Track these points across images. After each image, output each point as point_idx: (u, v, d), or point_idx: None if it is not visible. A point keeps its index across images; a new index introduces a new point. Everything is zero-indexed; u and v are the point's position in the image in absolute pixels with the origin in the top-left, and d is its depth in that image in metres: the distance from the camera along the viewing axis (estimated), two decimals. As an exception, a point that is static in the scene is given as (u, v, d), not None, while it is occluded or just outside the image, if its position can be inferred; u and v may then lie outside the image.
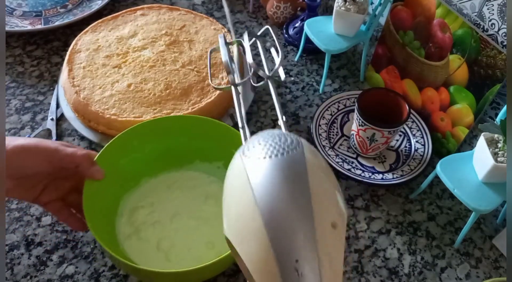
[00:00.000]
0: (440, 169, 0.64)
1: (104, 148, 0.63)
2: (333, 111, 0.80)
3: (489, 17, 0.64)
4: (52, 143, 0.57)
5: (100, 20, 0.87)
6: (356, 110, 0.70)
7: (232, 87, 0.57)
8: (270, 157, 0.34)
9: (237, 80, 0.59)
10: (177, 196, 0.68)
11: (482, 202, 0.61)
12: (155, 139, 0.68)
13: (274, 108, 0.83)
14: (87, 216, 0.56)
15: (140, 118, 0.72)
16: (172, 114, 0.73)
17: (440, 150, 0.76)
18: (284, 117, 0.49)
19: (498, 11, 0.63)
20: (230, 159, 0.65)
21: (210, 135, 0.67)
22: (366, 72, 0.88)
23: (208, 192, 0.67)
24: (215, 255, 0.52)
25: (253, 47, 0.94)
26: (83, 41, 0.83)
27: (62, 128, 0.79)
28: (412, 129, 0.77)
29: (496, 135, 0.62)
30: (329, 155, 0.73)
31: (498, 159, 0.60)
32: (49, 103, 0.82)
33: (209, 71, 0.68)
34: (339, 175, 0.75)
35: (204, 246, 0.62)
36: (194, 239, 0.63)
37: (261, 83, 0.59)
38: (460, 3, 0.68)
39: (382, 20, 0.81)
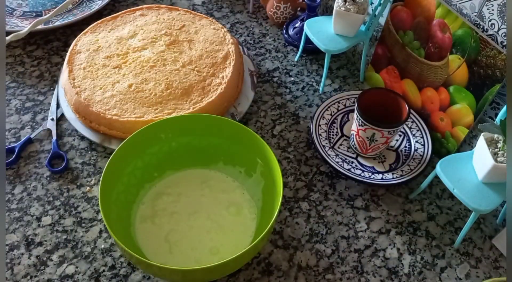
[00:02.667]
0: (440, 169, 0.64)
1: (132, 135, 0.64)
2: (333, 111, 0.80)
3: (489, 17, 0.64)
4: None
5: (99, 21, 0.87)
6: (356, 110, 0.70)
7: None
8: None
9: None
10: (205, 194, 0.68)
11: (482, 202, 0.61)
12: (183, 135, 0.68)
13: (274, 108, 0.83)
14: (102, 201, 0.56)
15: (142, 119, 0.72)
16: (173, 114, 0.73)
17: (440, 150, 0.76)
18: None
19: (498, 11, 0.63)
20: (252, 166, 0.67)
21: (237, 139, 0.67)
22: (366, 72, 0.88)
23: (233, 199, 0.68)
24: (216, 261, 0.52)
25: (254, 47, 0.94)
26: (83, 42, 0.83)
27: (62, 128, 0.79)
28: (412, 130, 0.77)
29: (496, 135, 0.62)
30: (329, 155, 0.73)
31: (498, 159, 0.60)
32: (49, 103, 0.82)
33: None
34: (339, 175, 0.75)
35: (208, 251, 0.62)
36: (201, 241, 0.63)
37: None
38: (460, 3, 0.68)
39: (382, 20, 0.81)
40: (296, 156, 0.77)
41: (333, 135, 0.77)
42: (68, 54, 0.81)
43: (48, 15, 0.91)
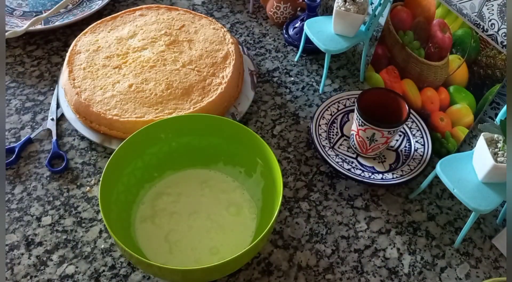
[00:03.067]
0: (439, 169, 0.64)
1: (132, 135, 0.64)
2: (333, 111, 0.80)
3: (489, 17, 0.64)
4: None
5: (99, 21, 0.87)
6: (356, 110, 0.70)
7: None
8: None
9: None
10: (205, 194, 0.68)
11: (482, 202, 0.61)
12: (183, 135, 0.68)
13: (274, 108, 0.83)
14: (102, 201, 0.57)
15: (142, 119, 0.72)
16: (173, 114, 0.73)
17: (440, 150, 0.76)
18: None
19: (498, 11, 0.63)
20: (252, 166, 0.67)
21: (237, 139, 0.67)
22: (366, 72, 0.88)
23: (233, 199, 0.68)
24: (216, 261, 0.52)
25: (254, 47, 0.94)
26: (83, 42, 0.83)
27: (62, 128, 0.79)
28: (412, 130, 0.77)
29: (496, 135, 0.62)
30: (329, 155, 0.73)
31: (498, 159, 0.60)
32: (49, 103, 0.82)
33: None
34: (339, 175, 0.75)
35: (208, 250, 0.62)
36: (201, 241, 0.63)
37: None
38: (460, 3, 0.68)
39: (382, 20, 0.81)
40: (296, 156, 0.77)
41: (333, 135, 0.77)
42: (68, 54, 0.81)
43: (46, 13, 0.91)
